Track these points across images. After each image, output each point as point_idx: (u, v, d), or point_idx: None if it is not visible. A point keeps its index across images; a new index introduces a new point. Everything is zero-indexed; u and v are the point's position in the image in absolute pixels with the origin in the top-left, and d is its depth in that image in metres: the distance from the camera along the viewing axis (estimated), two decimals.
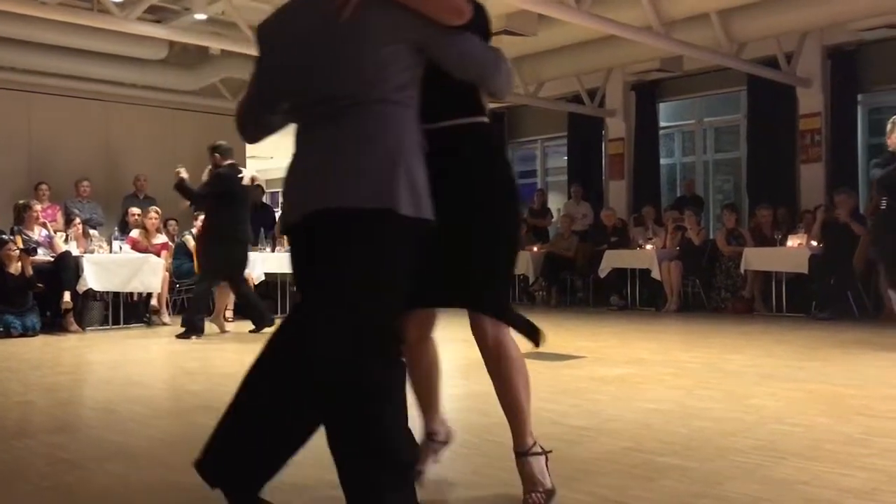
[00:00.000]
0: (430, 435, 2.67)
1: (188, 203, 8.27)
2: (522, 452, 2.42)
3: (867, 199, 9.97)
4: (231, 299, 8.02)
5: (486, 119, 2.41)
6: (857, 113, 10.31)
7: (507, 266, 2.43)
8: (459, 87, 2.24)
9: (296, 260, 2.20)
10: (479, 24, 2.20)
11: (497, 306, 2.41)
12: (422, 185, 2.01)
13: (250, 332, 7.44)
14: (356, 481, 2.06)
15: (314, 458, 3.01)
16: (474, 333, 2.44)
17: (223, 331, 7.63)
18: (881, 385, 4.35)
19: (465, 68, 2.14)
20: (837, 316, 8.17)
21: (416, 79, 2.07)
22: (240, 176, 7.36)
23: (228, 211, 7.22)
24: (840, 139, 10.27)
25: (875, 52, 9.96)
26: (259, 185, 12.47)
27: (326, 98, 2.03)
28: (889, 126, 6.03)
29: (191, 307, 7.49)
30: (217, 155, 7.36)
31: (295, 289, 2.31)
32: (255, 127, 2.38)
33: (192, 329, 7.16)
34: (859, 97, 10.30)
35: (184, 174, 7.34)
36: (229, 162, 7.37)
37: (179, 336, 7.09)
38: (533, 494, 2.35)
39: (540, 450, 2.43)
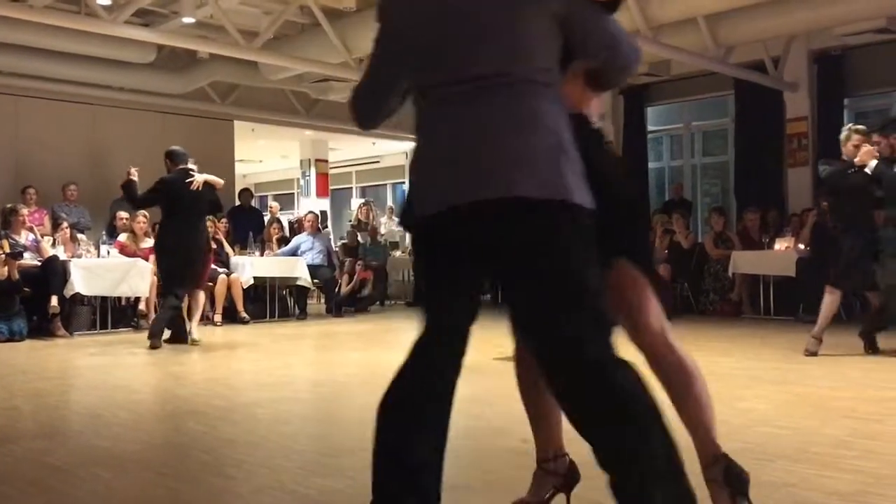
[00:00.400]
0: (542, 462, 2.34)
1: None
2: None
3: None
4: (203, 302, 7.50)
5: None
6: (843, 117, 10.37)
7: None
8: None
9: (435, 253, 1.92)
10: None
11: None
12: (582, 172, 1.81)
13: (165, 340, 6.89)
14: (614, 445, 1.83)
15: (301, 461, 3.01)
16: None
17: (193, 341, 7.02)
18: (867, 387, 4.38)
19: (606, 50, 1.87)
20: None
21: (558, 57, 1.82)
22: (188, 181, 6.93)
23: (172, 218, 6.95)
24: (827, 143, 10.28)
25: (861, 57, 10.04)
26: (246, 189, 12.49)
27: (469, 76, 1.77)
28: (845, 133, 5.85)
29: (162, 318, 6.95)
30: (168, 161, 7.15)
31: (426, 283, 2.05)
32: (376, 113, 2.08)
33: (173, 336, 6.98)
34: (846, 101, 10.37)
35: (134, 176, 7.11)
36: (180, 167, 7.05)
37: (168, 341, 7.00)
38: None
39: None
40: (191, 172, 7.03)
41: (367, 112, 2.07)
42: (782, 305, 8.71)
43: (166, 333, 6.94)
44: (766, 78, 9.89)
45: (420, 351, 2.03)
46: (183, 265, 6.88)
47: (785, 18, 8.53)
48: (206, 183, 7.06)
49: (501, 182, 1.70)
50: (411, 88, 1.94)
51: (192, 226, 6.96)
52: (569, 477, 2.34)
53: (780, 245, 8.78)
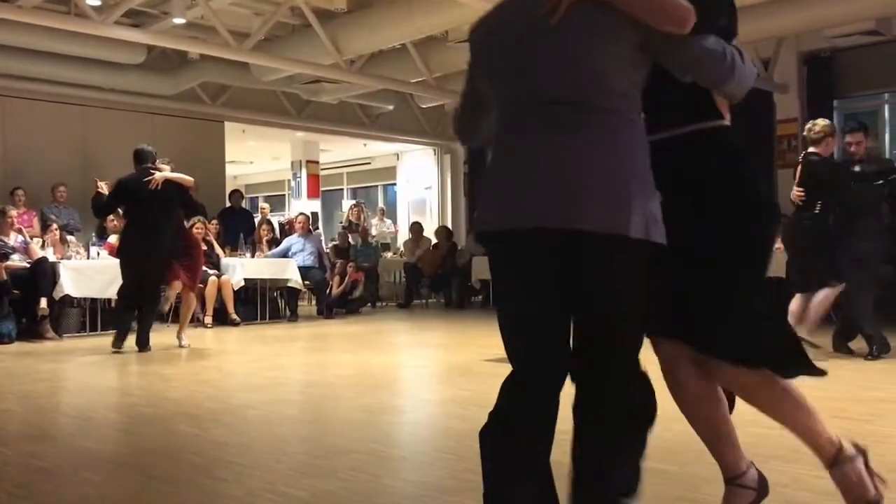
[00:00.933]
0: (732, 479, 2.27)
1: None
2: (830, 465, 2.20)
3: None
4: (193, 306, 7.38)
5: (725, 123, 2.09)
6: (833, 118, 10.42)
7: (745, 301, 2.06)
8: (689, 87, 1.91)
9: (509, 267, 1.92)
10: (717, 13, 1.91)
11: (731, 349, 2.07)
12: (656, 206, 1.82)
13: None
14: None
15: (293, 463, 3.00)
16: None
17: (181, 344, 6.94)
18: (857, 388, 4.40)
19: (697, 71, 1.87)
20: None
21: (639, 84, 1.86)
22: (146, 180, 6.54)
23: (131, 222, 6.76)
24: None
25: (850, 59, 10.09)
26: (237, 190, 12.45)
27: (548, 102, 1.82)
28: (811, 128, 5.82)
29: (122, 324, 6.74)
30: (134, 161, 6.80)
31: (498, 292, 2.04)
32: (473, 130, 2.21)
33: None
34: (835, 102, 10.42)
35: (102, 189, 6.84)
36: (143, 166, 6.68)
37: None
38: None
39: (852, 453, 2.20)
40: (151, 171, 6.62)
41: (464, 130, 2.23)
42: (774, 305, 8.73)
43: (156, 336, 6.92)
44: (756, 79, 9.90)
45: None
46: (141, 272, 6.56)
47: (775, 20, 8.56)
48: (172, 182, 6.64)
49: (565, 213, 1.75)
50: (500, 111, 1.97)
51: (152, 229, 6.57)
52: (762, 486, 2.29)
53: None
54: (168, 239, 6.68)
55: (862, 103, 10.48)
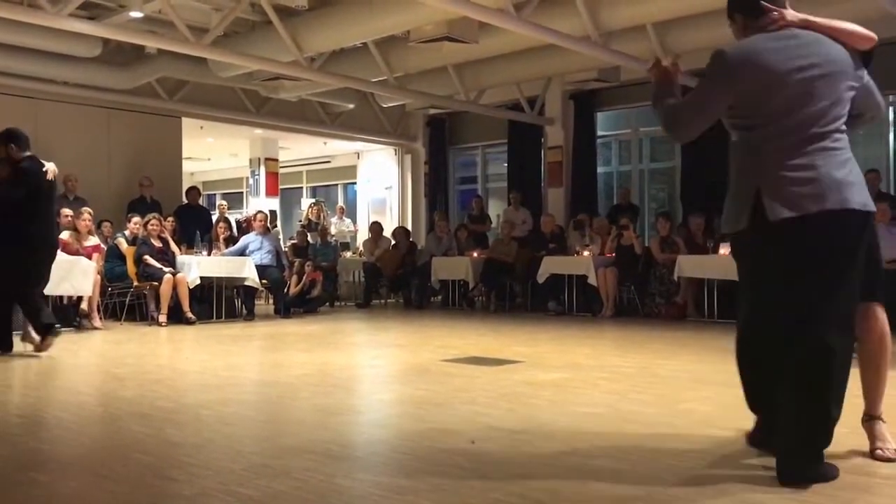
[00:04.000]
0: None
1: None
2: (875, 416, 2.91)
3: None
4: None
5: None
6: None
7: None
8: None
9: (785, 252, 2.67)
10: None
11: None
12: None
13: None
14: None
15: (246, 463, 2.98)
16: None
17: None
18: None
19: (875, 106, 2.91)
20: None
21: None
22: (44, 170, 6.24)
23: (39, 213, 6.24)
24: None
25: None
26: (194, 187, 12.31)
27: (811, 126, 2.66)
28: None
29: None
30: (13, 146, 6.17)
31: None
32: (694, 132, 2.87)
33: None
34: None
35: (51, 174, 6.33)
36: (28, 154, 6.25)
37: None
38: (882, 450, 2.85)
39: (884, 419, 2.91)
40: (41, 161, 6.33)
41: (687, 128, 2.88)
42: (726, 309, 8.88)
43: (108, 334, 6.80)
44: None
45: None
46: (45, 264, 6.34)
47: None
48: None
49: (850, 198, 2.63)
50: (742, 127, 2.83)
51: (52, 220, 6.56)
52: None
53: (725, 250, 8.93)
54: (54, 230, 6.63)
55: None
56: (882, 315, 2.85)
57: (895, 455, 2.84)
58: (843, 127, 2.72)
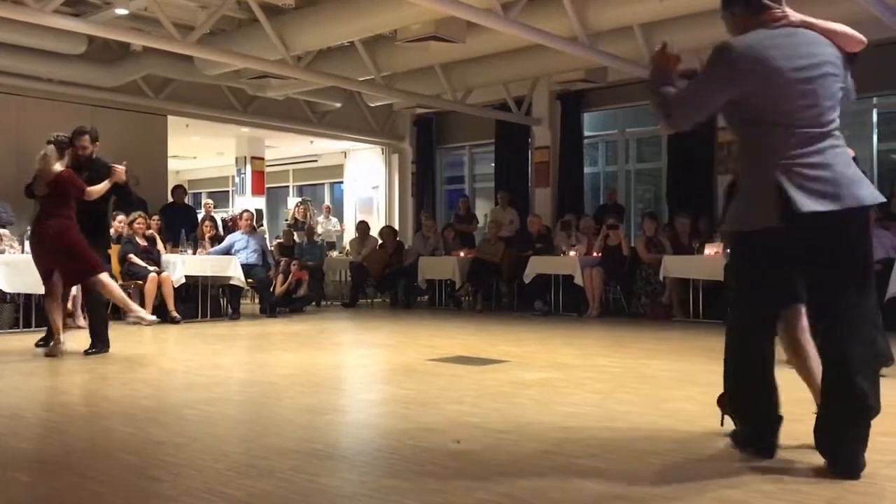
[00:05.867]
0: None
1: None
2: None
3: None
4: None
5: None
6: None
7: None
8: None
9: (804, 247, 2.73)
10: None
11: None
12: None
13: None
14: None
15: (231, 462, 2.96)
16: None
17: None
18: (791, 389, 4.52)
19: (846, 108, 2.86)
20: None
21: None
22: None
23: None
24: None
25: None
26: (180, 186, 12.25)
27: (817, 125, 2.71)
28: None
29: None
30: (98, 143, 6.37)
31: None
32: (688, 122, 2.92)
33: None
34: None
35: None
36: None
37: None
38: None
39: None
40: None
41: (683, 119, 2.91)
42: (711, 309, 8.93)
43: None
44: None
45: None
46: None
47: (720, 28, 8.73)
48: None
49: (854, 196, 2.68)
50: (746, 120, 2.83)
51: None
52: None
53: (710, 250, 9.00)
54: None
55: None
56: None
57: None
58: (838, 125, 2.77)
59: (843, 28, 2.82)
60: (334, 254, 13.31)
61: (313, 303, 11.50)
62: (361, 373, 5.70)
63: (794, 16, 2.81)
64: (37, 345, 6.49)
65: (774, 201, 2.66)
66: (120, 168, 6.25)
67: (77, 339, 6.85)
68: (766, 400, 2.96)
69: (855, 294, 2.70)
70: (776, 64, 2.68)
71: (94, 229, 6.24)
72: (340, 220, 15.43)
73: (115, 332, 7.99)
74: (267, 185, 15.70)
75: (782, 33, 2.76)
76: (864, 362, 2.66)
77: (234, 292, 9.90)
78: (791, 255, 2.77)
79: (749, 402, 3.01)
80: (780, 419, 2.99)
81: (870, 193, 2.72)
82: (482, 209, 13.84)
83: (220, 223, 11.73)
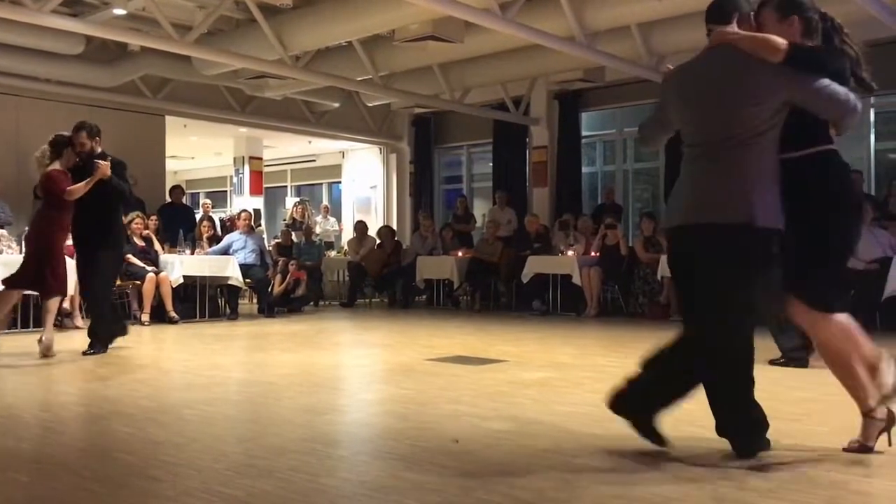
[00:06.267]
0: (867, 412, 2.92)
1: None
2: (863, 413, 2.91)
3: None
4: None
5: (832, 146, 2.93)
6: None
7: (829, 267, 2.90)
8: (808, 122, 2.85)
9: (677, 255, 3.04)
10: (839, 69, 2.80)
11: (817, 298, 2.88)
12: (771, 202, 2.79)
13: None
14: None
15: (230, 462, 2.97)
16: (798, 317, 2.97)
17: None
18: (787, 388, 4.53)
19: (826, 111, 2.82)
20: None
21: (775, 125, 2.82)
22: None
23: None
24: None
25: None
26: (178, 186, 12.24)
27: (705, 138, 2.93)
28: None
29: None
30: (98, 139, 6.25)
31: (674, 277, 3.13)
32: (654, 140, 3.35)
33: None
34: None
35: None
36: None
37: None
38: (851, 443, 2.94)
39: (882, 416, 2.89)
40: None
41: (650, 138, 3.35)
42: None
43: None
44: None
45: None
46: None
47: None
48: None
49: (713, 211, 2.85)
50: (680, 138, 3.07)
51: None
52: (890, 418, 2.92)
53: None
54: None
55: None
56: None
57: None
58: (752, 140, 2.82)
59: (755, 39, 2.82)
60: (332, 254, 13.30)
61: (311, 303, 11.50)
62: (360, 372, 5.70)
63: (716, 37, 2.95)
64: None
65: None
66: (104, 164, 6.09)
67: (74, 339, 6.85)
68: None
69: (707, 312, 2.91)
70: (682, 86, 3.04)
71: (99, 229, 6.20)
72: (338, 220, 15.43)
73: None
74: (265, 185, 15.69)
75: (704, 54, 3.01)
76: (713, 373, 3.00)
77: (233, 292, 9.90)
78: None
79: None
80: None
81: (724, 213, 2.80)
82: (480, 209, 13.85)
83: (218, 223, 11.73)
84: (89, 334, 6.32)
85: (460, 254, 11.30)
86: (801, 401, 4.18)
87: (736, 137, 2.81)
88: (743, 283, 2.82)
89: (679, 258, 3.02)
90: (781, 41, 2.75)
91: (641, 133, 3.32)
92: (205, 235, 10.49)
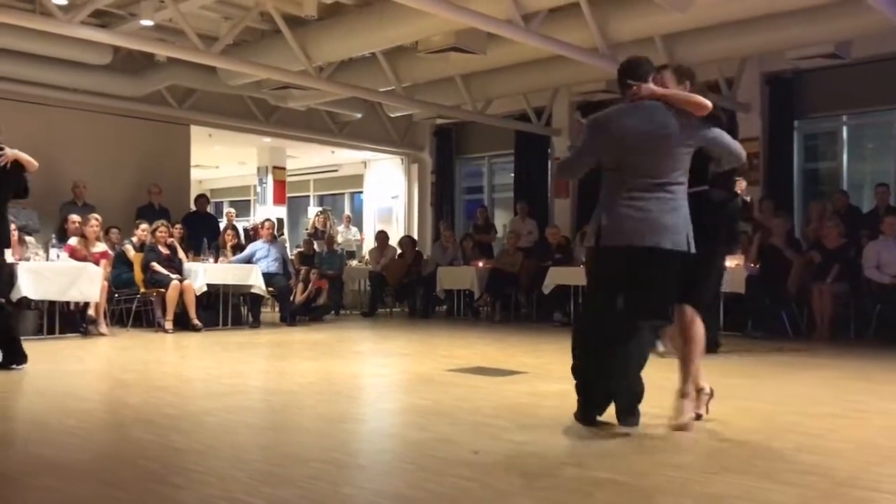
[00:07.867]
0: (699, 390, 3.87)
1: None
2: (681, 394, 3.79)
3: (802, 224, 10.29)
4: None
5: (707, 187, 3.81)
6: (793, 138, 10.65)
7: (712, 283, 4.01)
8: (698, 166, 3.66)
9: (617, 269, 3.58)
10: (731, 126, 3.76)
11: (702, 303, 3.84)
12: (690, 232, 3.53)
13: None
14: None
15: (251, 470, 2.99)
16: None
17: None
18: (812, 403, 4.49)
19: (727, 154, 3.68)
20: (771, 335, 8.40)
21: (687, 166, 3.57)
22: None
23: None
24: (777, 163, 10.59)
25: (810, 81, 10.33)
26: (203, 195, 12.36)
27: (649, 176, 3.51)
28: None
29: None
30: None
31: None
32: (571, 176, 4.92)
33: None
34: (796, 123, 10.65)
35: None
36: None
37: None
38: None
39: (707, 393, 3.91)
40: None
41: (567, 174, 4.81)
42: (731, 320, 8.86)
43: (116, 340, 6.81)
44: (720, 98, 10.09)
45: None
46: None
47: (739, 40, 8.73)
48: (16, 162, 5.76)
49: (654, 238, 3.47)
50: (609, 170, 3.67)
51: None
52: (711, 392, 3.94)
53: (731, 262, 8.93)
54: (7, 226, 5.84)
55: (822, 124, 10.73)
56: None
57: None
58: (680, 180, 3.53)
59: (688, 97, 3.55)
60: (354, 263, 13.35)
61: (332, 311, 11.54)
62: (380, 382, 5.71)
63: (647, 89, 3.58)
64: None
65: (596, 229, 3.61)
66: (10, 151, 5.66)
67: (99, 346, 6.93)
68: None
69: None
70: (618, 130, 3.58)
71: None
72: (360, 230, 15.48)
73: (137, 339, 8.11)
74: (288, 195, 15.79)
75: (632, 107, 3.61)
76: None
77: (255, 301, 9.96)
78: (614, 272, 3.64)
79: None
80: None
81: (671, 240, 3.47)
82: (501, 219, 13.83)
83: (241, 232, 11.82)
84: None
85: (480, 264, 11.30)
86: (829, 416, 4.14)
87: (673, 176, 3.51)
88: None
89: (620, 271, 3.59)
90: (706, 101, 3.49)
91: (565, 167, 4.03)
92: (228, 244, 10.58)
